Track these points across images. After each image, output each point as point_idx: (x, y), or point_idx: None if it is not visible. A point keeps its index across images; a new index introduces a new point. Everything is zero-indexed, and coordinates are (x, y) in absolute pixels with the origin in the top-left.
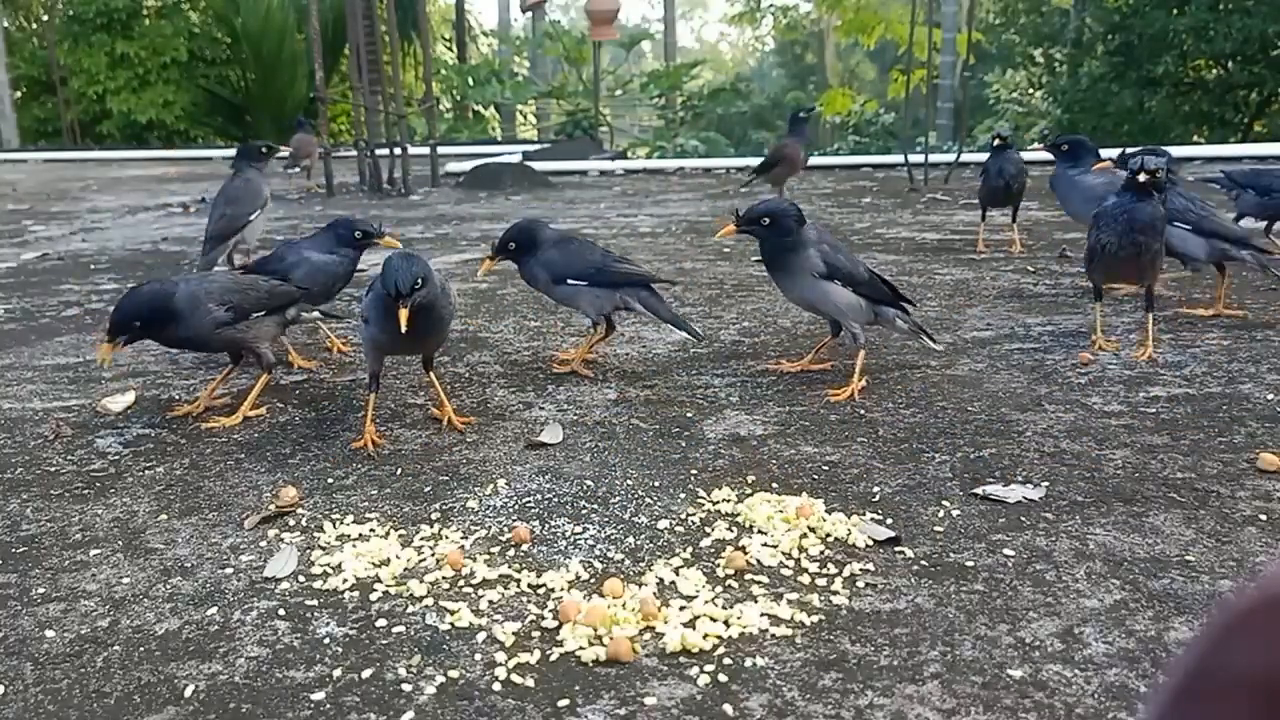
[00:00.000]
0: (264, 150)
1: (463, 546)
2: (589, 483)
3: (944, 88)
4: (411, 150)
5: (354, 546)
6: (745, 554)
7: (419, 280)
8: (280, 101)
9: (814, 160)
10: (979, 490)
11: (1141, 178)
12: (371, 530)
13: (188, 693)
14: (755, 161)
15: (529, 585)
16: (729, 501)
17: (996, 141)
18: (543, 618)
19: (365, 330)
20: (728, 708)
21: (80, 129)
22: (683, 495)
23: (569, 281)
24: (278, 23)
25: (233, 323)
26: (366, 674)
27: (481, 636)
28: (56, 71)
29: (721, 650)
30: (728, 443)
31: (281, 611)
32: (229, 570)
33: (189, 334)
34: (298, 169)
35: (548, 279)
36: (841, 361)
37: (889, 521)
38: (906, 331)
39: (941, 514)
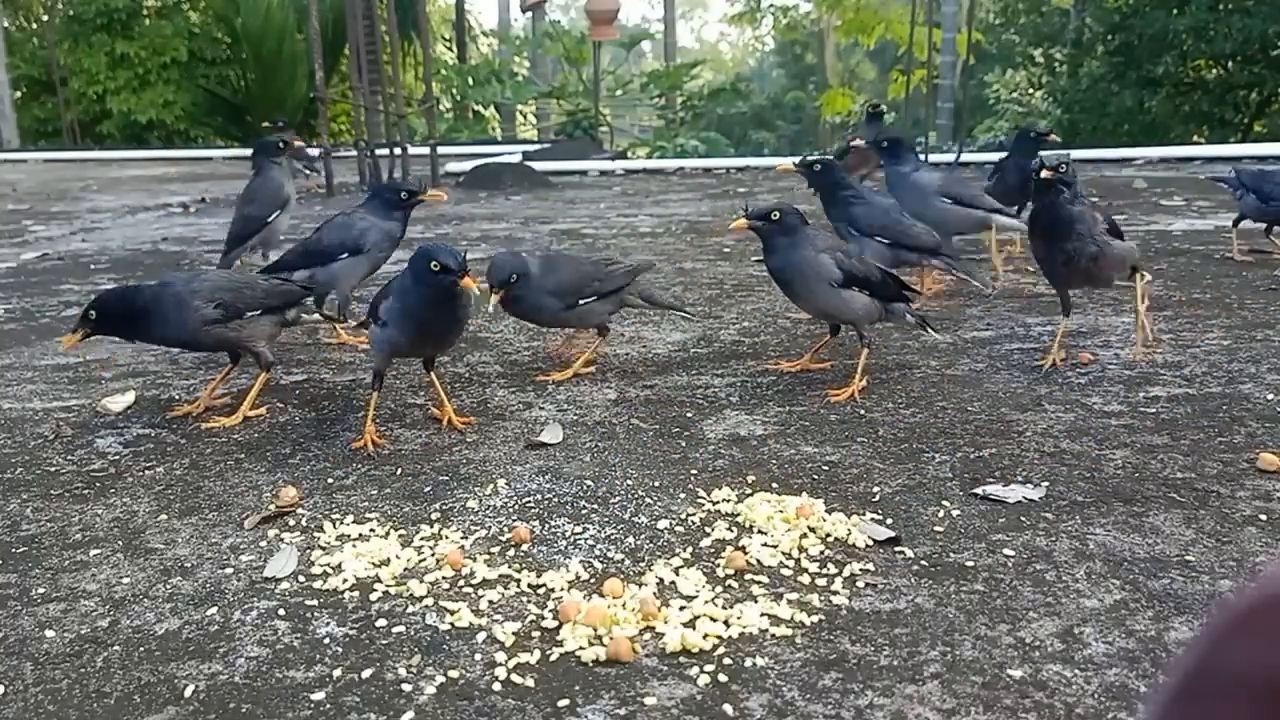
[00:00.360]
0: (281, 145)
1: (463, 546)
2: (589, 483)
3: (944, 88)
4: (411, 150)
5: (354, 546)
6: (745, 554)
7: (464, 255)
8: (280, 101)
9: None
10: (979, 490)
11: (1044, 174)
12: (371, 530)
13: (188, 693)
14: (756, 161)
15: (529, 585)
16: (729, 501)
17: (1033, 134)
18: (543, 618)
19: (382, 332)
20: (728, 708)
21: (80, 129)
22: (683, 495)
23: (581, 302)
24: (278, 23)
25: (223, 321)
26: (366, 674)
27: (481, 636)
28: (56, 71)
29: (721, 650)
30: (728, 443)
31: (281, 611)
32: (229, 570)
33: (176, 333)
34: (319, 171)
35: (560, 306)
36: (841, 361)
37: (889, 521)
38: (914, 324)
39: (941, 514)
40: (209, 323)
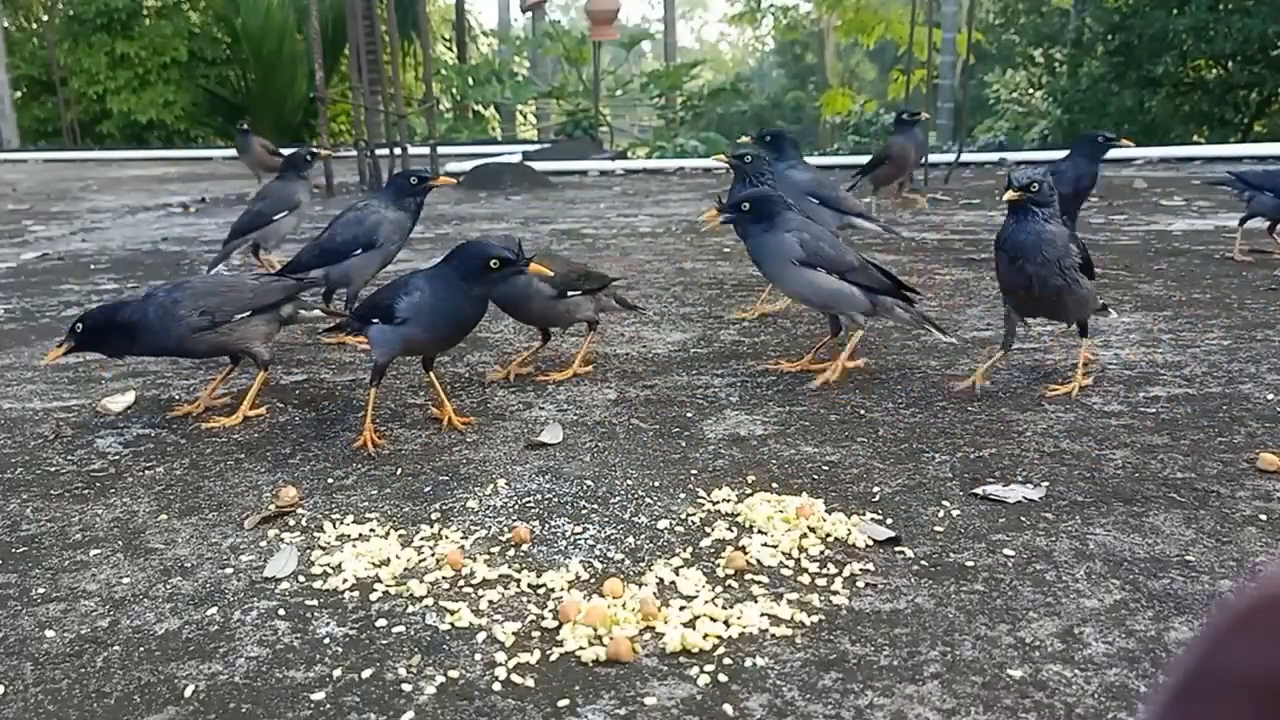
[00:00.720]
0: (308, 158)
1: (463, 546)
2: (589, 483)
3: (944, 88)
4: (411, 150)
5: (354, 546)
6: (745, 554)
7: (519, 243)
8: (280, 101)
9: (814, 160)
10: (979, 490)
11: (1010, 195)
12: (371, 530)
13: (188, 693)
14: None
15: (529, 585)
16: (729, 501)
17: (1101, 138)
18: (543, 618)
19: (396, 330)
20: (728, 708)
21: (80, 129)
22: (683, 495)
23: (570, 294)
24: (278, 23)
25: (211, 328)
26: (366, 674)
27: (481, 636)
28: (56, 71)
29: (721, 650)
30: (728, 443)
31: (281, 611)
32: (229, 570)
33: (165, 344)
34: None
35: (552, 294)
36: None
37: (889, 521)
38: (909, 322)
39: (941, 514)
40: (196, 330)
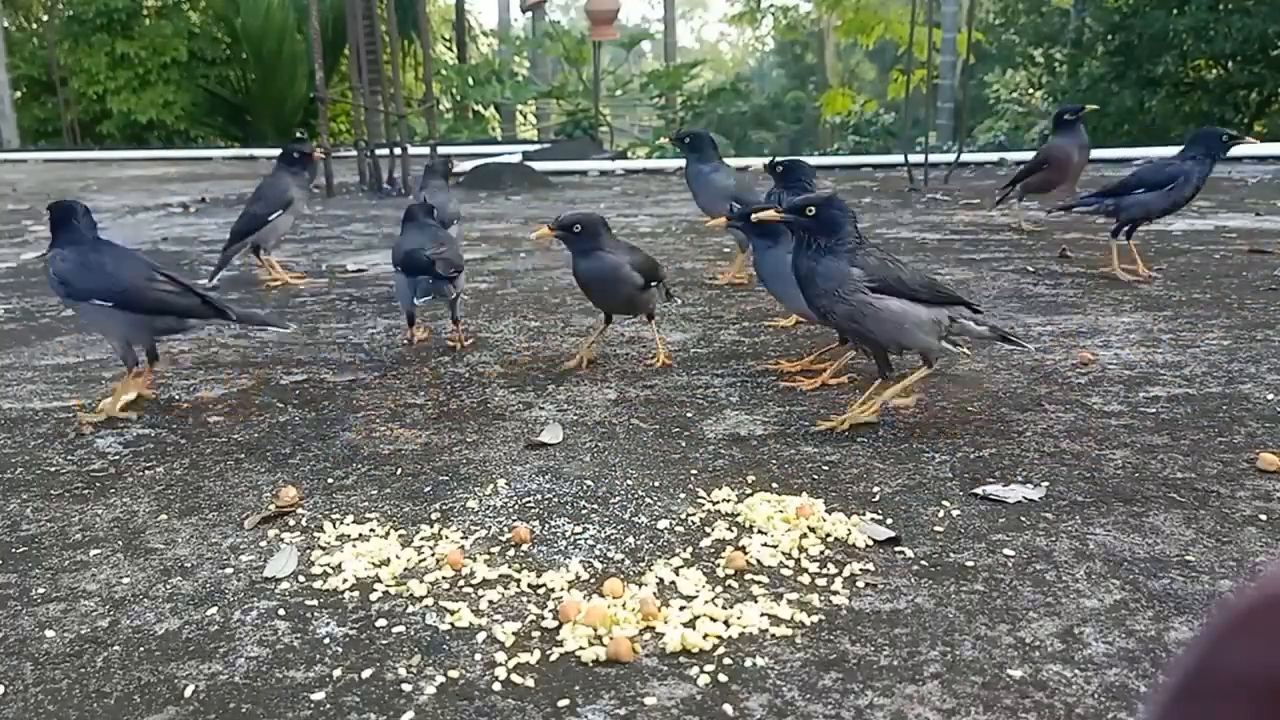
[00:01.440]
0: (296, 155)
1: (463, 546)
2: (589, 483)
3: (944, 88)
4: (411, 150)
5: (354, 546)
6: (745, 554)
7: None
8: (280, 101)
9: (814, 160)
10: (979, 490)
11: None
12: (371, 530)
13: (188, 693)
14: (757, 161)
15: (529, 585)
16: (729, 501)
17: (1225, 137)
18: (543, 618)
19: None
20: (728, 708)
21: (80, 129)
22: (683, 495)
23: (652, 284)
24: (278, 23)
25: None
26: (366, 674)
27: (481, 636)
28: (56, 71)
29: (721, 650)
30: (728, 443)
31: (281, 611)
32: (229, 570)
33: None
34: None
35: (640, 283)
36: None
37: (889, 521)
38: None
39: (941, 514)
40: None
